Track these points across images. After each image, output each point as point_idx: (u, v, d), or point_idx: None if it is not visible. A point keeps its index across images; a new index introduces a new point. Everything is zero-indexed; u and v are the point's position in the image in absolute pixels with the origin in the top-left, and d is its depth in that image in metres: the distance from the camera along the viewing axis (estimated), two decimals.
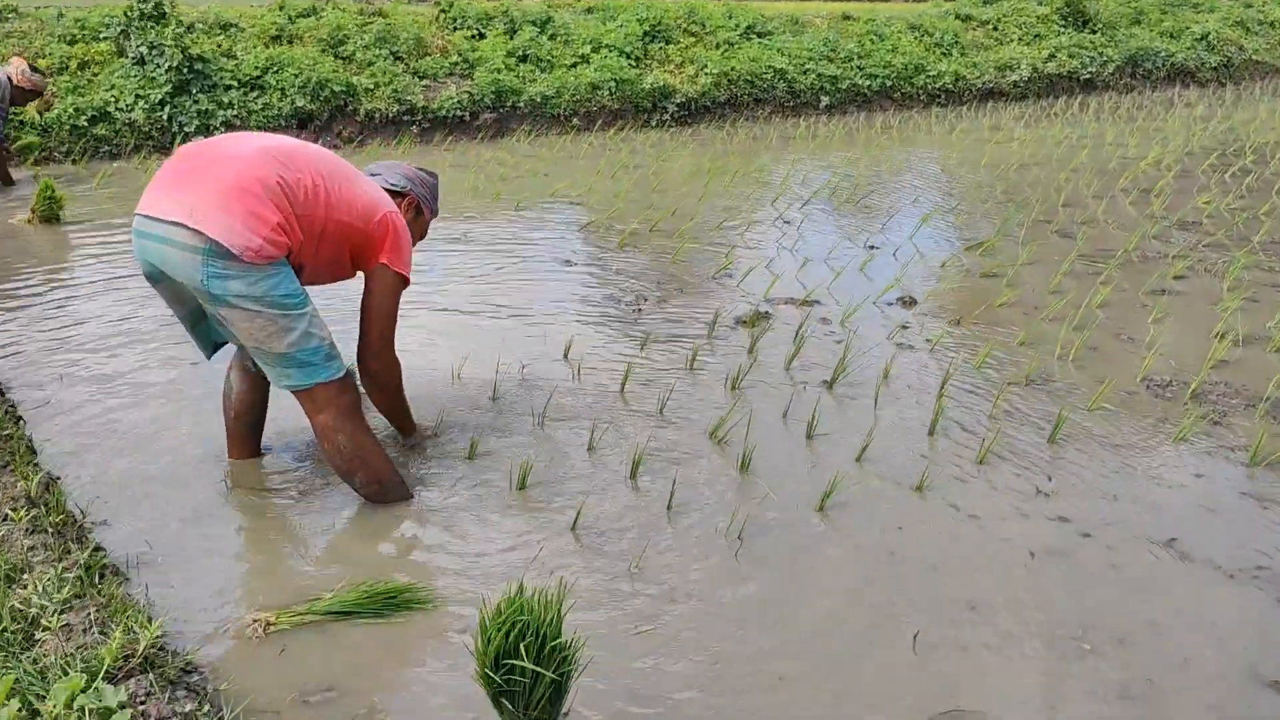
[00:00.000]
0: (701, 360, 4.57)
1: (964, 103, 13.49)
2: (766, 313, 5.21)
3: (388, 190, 3.48)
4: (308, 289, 3.11)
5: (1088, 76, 14.75)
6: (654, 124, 11.35)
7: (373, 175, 3.54)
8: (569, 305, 5.35)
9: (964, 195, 8.18)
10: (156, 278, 3.04)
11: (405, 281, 3.31)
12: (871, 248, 6.49)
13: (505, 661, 2.06)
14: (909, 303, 5.45)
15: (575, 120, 10.97)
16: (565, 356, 4.58)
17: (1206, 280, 5.98)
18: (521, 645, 2.06)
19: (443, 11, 11.71)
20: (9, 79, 7.58)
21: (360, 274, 3.36)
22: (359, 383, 3.39)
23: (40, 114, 9.16)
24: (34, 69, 7.71)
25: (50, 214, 6.85)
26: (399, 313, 3.39)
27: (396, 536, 3.18)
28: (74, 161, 8.92)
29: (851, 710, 2.46)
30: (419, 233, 3.66)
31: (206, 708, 2.21)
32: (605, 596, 2.87)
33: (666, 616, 2.79)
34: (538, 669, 2.06)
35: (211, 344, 3.36)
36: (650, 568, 3.02)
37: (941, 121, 12.15)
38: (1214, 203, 7.84)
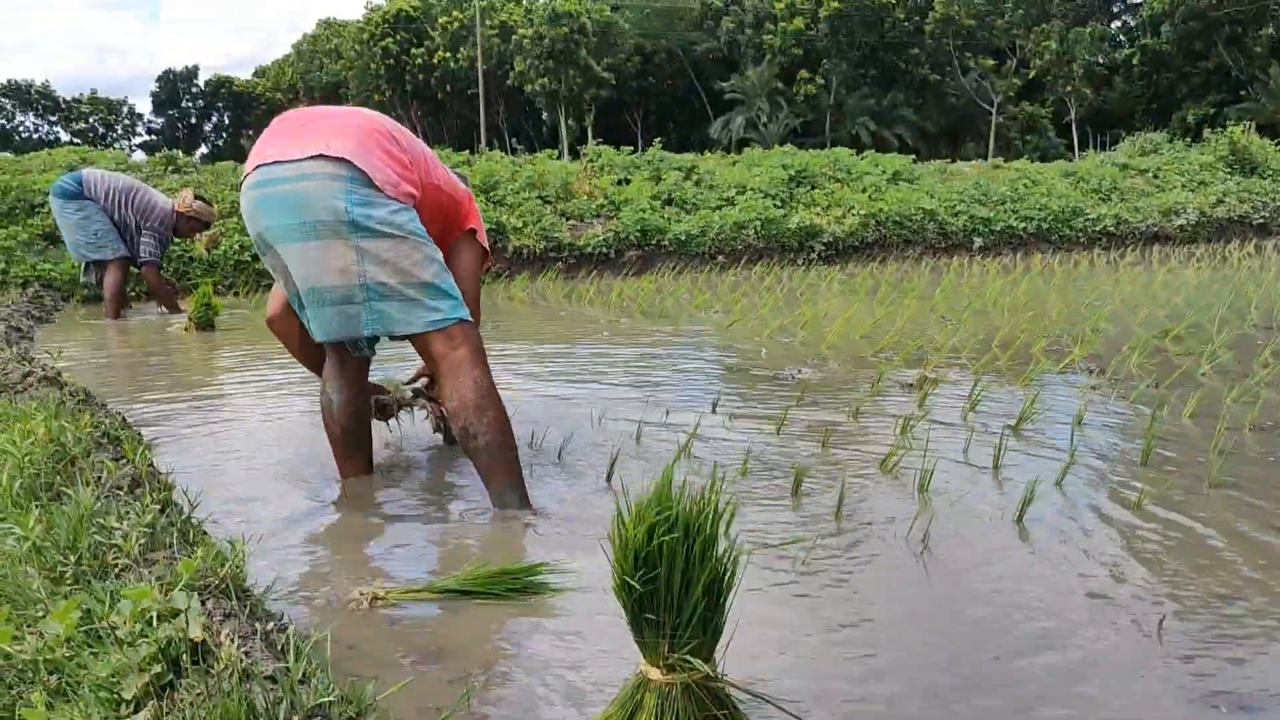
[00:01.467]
0: (866, 413, 4.13)
1: (1126, 245, 12.91)
2: (935, 378, 4.75)
3: None
4: None
5: (1261, 221, 14.01)
6: (800, 263, 11.19)
7: None
8: (714, 373, 5.02)
9: (1139, 300, 7.59)
10: (277, 237, 2.82)
11: (488, 254, 3.43)
12: (1054, 337, 5.97)
13: (648, 553, 1.64)
14: (1097, 372, 4.90)
15: (720, 258, 10.92)
16: (714, 409, 4.21)
17: None
18: (667, 540, 1.65)
19: (590, 161, 12.04)
20: (173, 208, 7.98)
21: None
22: None
23: (208, 250, 9.64)
24: (199, 198, 8.09)
25: (206, 320, 7.01)
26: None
27: (526, 540, 2.81)
28: (236, 294, 9.28)
29: (1100, 702, 1.90)
30: None
31: (292, 627, 1.85)
32: (773, 591, 2.41)
33: (844, 612, 2.31)
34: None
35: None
36: (820, 566, 2.54)
37: (1105, 261, 11.58)
38: None
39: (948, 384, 4.67)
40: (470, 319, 2.95)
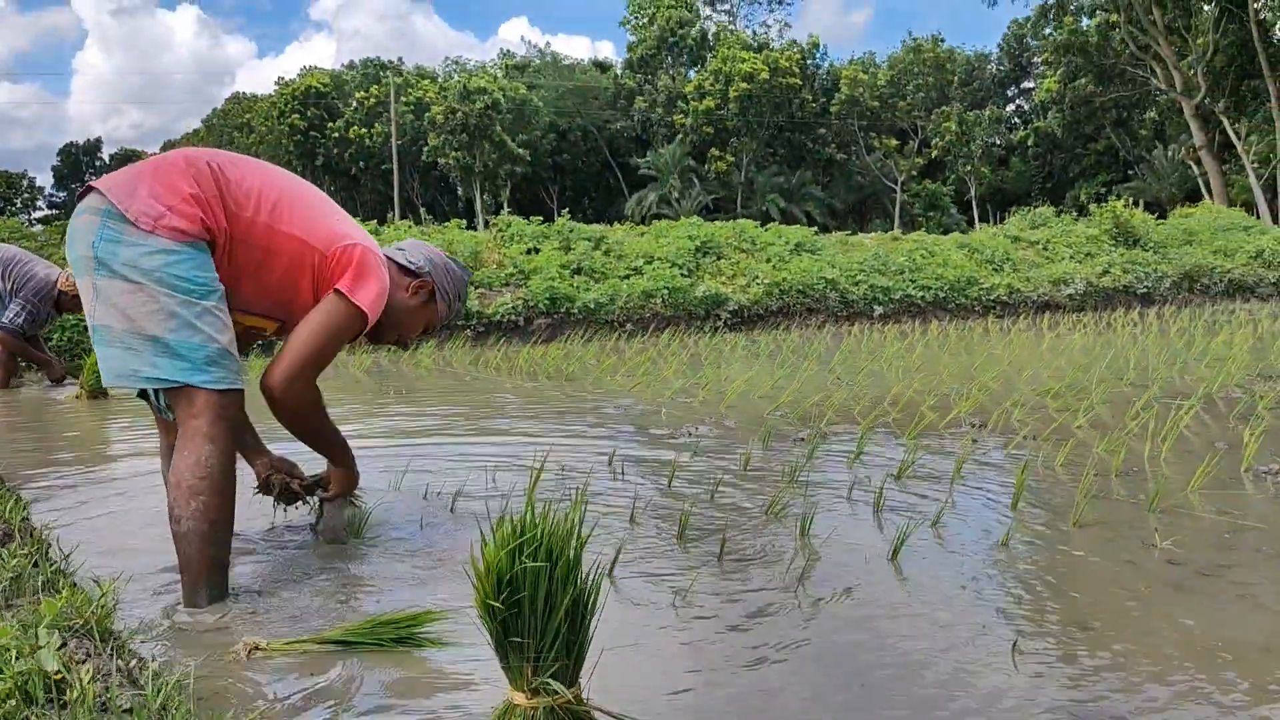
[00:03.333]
0: (756, 464, 4.23)
1: (1019, 313, 13.43)
2: (825, 433, 4.89)
3: (401, 267, 3.11)
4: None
5: (1144, 291, 14.71)
6: (706, 330, 11.39)
7: (397, 249, 3.22)
8: (613, 431, 5.08)
9: (1025, 362, 7.91)
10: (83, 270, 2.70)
11: (361, 316, 2.82)
12: (943, 395, 6.18)
13: (512, 576, 1.69)
14: (979, 426, 5.09)
15: (628, 326, 11.06)
16: (610, 463, 4.27)
17: None
18: (529, 564, 1.70)
19: (500, 230, 12.16)
20: (56, 282, 7.76)
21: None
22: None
23: None
24: None
25: (98, 388, 6.87)
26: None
27: (414, 588, 2.81)
28: None
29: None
30: (424, 319, 3.18)
31: (156, 664, 1.84)
32: (651, 628, 2.46)
33: (719, 646, 2.37)
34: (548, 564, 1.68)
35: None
36: (700, 603, 2.60)
37: (998, 328, 12.01)
38: None
39: (837, 438, 4.81)
40: (225, 387, 2.63)
